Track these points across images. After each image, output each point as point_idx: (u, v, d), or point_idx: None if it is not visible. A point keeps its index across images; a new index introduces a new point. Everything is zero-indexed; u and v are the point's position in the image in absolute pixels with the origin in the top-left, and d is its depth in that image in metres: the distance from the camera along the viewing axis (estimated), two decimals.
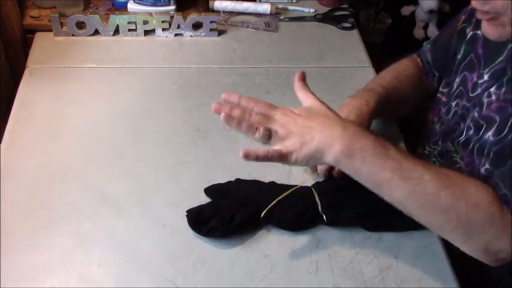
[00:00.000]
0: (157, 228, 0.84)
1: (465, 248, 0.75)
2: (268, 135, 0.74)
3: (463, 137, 0.88)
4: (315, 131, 0.73)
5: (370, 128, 0.94)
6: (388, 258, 0.82)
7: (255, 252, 0.82)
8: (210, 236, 0.82)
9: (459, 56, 0.94)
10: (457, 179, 0.74)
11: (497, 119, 0.80)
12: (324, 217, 0.84)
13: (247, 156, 0.72)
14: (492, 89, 0.83)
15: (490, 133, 0.81)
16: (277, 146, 0.74)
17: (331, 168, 0.90)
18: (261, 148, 0.73)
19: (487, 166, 0.80)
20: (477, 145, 0.84)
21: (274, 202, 0.84)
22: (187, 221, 0.84)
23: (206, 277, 0.78)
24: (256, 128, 0.74)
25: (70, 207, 0.86)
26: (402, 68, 1.05)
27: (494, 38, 0.78)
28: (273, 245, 0.83)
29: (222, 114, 0.74)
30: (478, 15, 0.78)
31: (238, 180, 0.90)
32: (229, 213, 0.83)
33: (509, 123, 0.78)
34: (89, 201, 0.87)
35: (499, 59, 0.84)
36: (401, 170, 0.72)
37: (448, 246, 0.84)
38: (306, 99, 0.81)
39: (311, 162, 0.75)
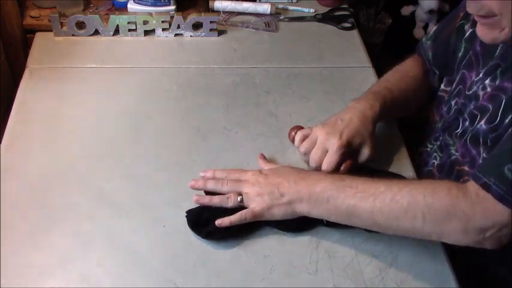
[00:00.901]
0: (157, 228, 0.84)
1: (449, 238, 0.75)
2: (241, 199, 0.83)
3: (459, 129, 0.89)
4: (283, 187, 0.83)
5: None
6: (388, 259, 0.82)
7: (255, 253, 0.82)
8: (209, 238, 0.82)
9: (459, 54, 0.94)
10: (410, 181, 0.80)
11: (490, 107, 0.81)
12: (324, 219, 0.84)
13: (222, 224, 0.82)
14: (487, 82, 0.84)
15: (482, 122, 0.82)
16: (250, 206, 0.83)
17: (338, 167, 0.90)
18: (234, 215, 0.82)
19: (484, 155, 0.81)
20: (470, 135, 0.85)
21: None
22: (187, 222, 0.84)
23: (206, 277, 0.78)
24: (228, 197, 0.84)
25: (70, 207, 0.86)
26: (406, 69, 1.05)
27: (489, 41, 0.78)
28: (272, 245, 0.83)
29: (194, 198, 0.86)
30: (477, 19, 0.78)
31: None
32: (228, 215, 0.83)
33: (501, 110, 0.79)
34: (89, 201, 0.87)
35: (494, 56, 0.84)
36: (360, 192, 0.78)
37: (448, 246, 0.84)
38: (266, 165, 0.92)
39: (287, 215, 0.83)
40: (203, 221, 0.83)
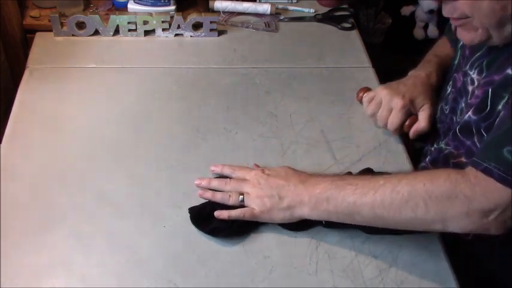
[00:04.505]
0: (158, 228, 0.84)
1: (453, 224, 0.75)
2: (242, 199, 0.84)
3: (447, 125, 0.92)
4: (283, 190, 0.83)
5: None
6: (388, 259, 0.82)
7: (255, 253, 0.82)
8: (215, 235, 0.82)
9: (455, 62, 0.97)
10: (409, 173, 0.82)
11: (479, 100, 0.82)
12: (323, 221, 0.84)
13: (220, 216, 0.83)
14: (474, 76, 0.86)
15: (470, 113, 0.83)
16: (251, 206, 0.83)
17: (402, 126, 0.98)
18: (234, 210, 0.83)
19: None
20: (458, 127, 0.86)
21: None
22: (190, 218, 0.84)
23: (206, 277, 0.78)
24: (230, 196, 0.84)
25: (70, 207, 0.86)
26: (444, 43, 1.09)
27: (469, 43, 0.82)
28: (273, 245, 0.83)
29: (198, 192, 0.87)
30: (452, 22, 0.81)
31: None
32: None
33: (489, 99, 0.79)
34: (89, 202, 0.87)
35: (477, 54, 0.87)
36: (359, 188, 0.78)
37: (448, 247, 0.84)
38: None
39: (286, 219, 0.83)
40: (206, 217, 0.83)
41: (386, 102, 0.98)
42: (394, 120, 0.97)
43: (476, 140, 0.84)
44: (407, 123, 0.98)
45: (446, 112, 0.95)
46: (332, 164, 0.96)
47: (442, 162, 0.92)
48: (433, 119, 0.98)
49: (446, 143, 0.91)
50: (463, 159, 0.87)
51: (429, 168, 0.96)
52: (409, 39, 1.76)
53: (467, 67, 0.89)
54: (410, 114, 0.98)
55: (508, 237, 0.77)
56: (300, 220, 0.84)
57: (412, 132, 0.98)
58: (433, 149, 0.98)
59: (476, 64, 0.87)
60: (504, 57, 0.80)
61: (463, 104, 0.89)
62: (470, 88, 0.87)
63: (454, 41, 1.00)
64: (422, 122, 0.97)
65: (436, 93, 1.00)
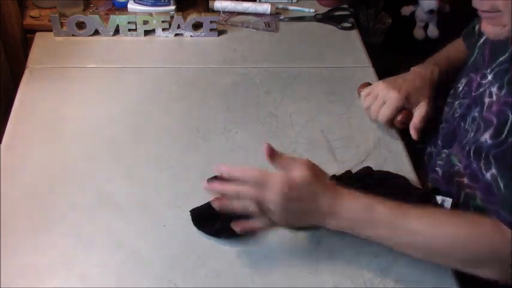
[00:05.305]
0: (158, 228, 0.84)
1: (484, 276, 0.76)
2: (263, 211, 0.76)
3: (464, 138, 0.88)
4: (309, 214, 0.77)
5: None
6: (388, 259, 0.82)
7: (255, 253, 0.82)
8: (219, 236, 0.82)
9: (471, 60, 0.95)
10: (449, 218, 0.78)
11: (495, 121, 0.80)
12: None
13: (240, 229, 0.78)
14: (494, 89, 0.83)
15: (487, 135, 0.81)
16: (272, 218, 0.77)
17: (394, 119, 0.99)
18: (251, 222, 0.78)
19: (493, 171, 0.79)
20: (473, 147, 0.84)
21: None
22: (191, 220, 0.84)
23: (206, 277, 0.78)
24: (249, 205, 0.76)
25: (70, 207, 0.86)
26: (460, 43, 1.08)
27: (492, 37, 0.80)
28: (273, 245, 0.83)
29: (216, 204, 0.77)
30: (480, 14, 0.79)
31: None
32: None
33: (507, 127, 0.78)
34: (89, 201, 0.87)
35: (500, 59, 0.84)
36: (392, 230, 0.76)
37: None
38: (289, 168, 0.77)
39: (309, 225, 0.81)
40: (208, 218, 0.83)
41: (382, 95, 0.98)
42: (385, 112, 0.97)
43: (482, 165, 0.81)
44: (399, 118, 0.98)
45: (456, 115, 0.92)
46: (332, 164, 0.96)
47: (448, 177, 0.90)
48: (429, 117, 0.97)
49: (459, 159, 0.88)
50: (465, 180, 0.85)
51: (440, 182, 0.93)
52: (409, 39, 1.75)
53: (488, 70, 0.86)
54: (403, 107, 0.98)
55: None
56: None
57: (399, 123, 0.98)
58: (444, 156, 0.95)
59: (497, 70, 0.84)
60: None
61: (476, 114, 0.86)
62: (487, 101, 0.84)
63: (471, 45, 0.97)
64: (415, 119, 0.97)
65: (437, 90, 1.00)
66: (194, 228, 0.84)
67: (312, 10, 1.36)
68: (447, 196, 0.87)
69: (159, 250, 0.81)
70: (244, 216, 0.81)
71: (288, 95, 1.11)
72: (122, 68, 1.15)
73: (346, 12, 1.37)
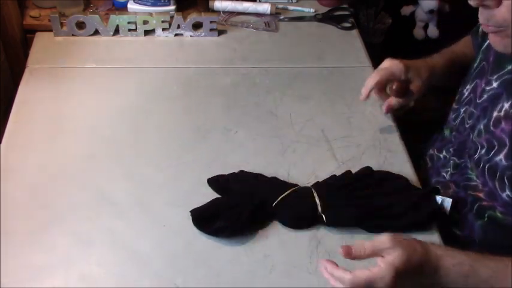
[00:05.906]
0: (157, 228, 0.84)
1: None
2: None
3: (476, 154, 0.87)
4: (416, 280, 0.71)
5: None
6: None
7: (255, 252, 0.82)
8: (219, 235, 0.82)
9: (475, 65, 0.95)
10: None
11: (507, 142, 0.80)
12: (324, 218, 0.84)
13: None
14: (502, 102, 0.83)
15: (501, 156, 0.81)
16: None
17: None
18: None
19: (507, 192, 0.79)
20: (487, 165, 0.83)
21: (283, 195, 0.85)
22: (192, 220, 0.84)
23: (206, 277, 0.78)
24: None
25: (70, 207, 0.86)
26: (468, 40, 1.08)
27: (501, 50, 0.79)
28: (273, 245, 0.83)
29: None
30: (484, 28, 0.78)
31: (242, 172, 0.91)
32: (234, 210, 0.83)
33: None
34: (89, 201, 0.87)
35: (509, 68, 0.84)
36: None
37: (447, 246, 0.84)
38: (381, 254, 0.72)
39: None
40: (208, 218, 0.83)
41: (381, 66, 1.00)
42: (382, 72, 0.98)
43: (497, 185, 0.81)
44: (394, 86, 0.98)
45: (467, 125, 0.91)
46: (332, 164, 0.96)
47: (463, 188, 0.89)
48: (414, 98, 0.99)
49: (477, 175, 0.87)
50: (482, 196, 0.85)
51: (451, 187, 0.92)
52: (409, 39, 1.75)
53: (494, 77, 0.86)
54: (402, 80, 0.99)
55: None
56: (300, 222, 0.85)
57: (393, 92, 0.99)
58: (452, 163, 0.94)
59: (504, 79, 0.84)
60: None
61: (482, 127, 0.86)
62: (494, 115, 0.83)
63: (478, 45, 0.97)
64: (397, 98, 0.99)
65: (435, 77, 1.01)
66: (194, 228, 0.84)
67: (312, 10, 1.36)
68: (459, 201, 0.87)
69: (159, 250, 0.81)
70: (248, 216, 0.82)
71: (288, 95, 1.11)
72: (121, 68, 1.15)
73: (346, 12, 1.37)
